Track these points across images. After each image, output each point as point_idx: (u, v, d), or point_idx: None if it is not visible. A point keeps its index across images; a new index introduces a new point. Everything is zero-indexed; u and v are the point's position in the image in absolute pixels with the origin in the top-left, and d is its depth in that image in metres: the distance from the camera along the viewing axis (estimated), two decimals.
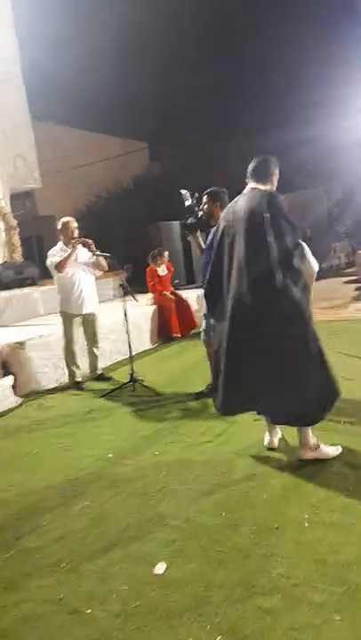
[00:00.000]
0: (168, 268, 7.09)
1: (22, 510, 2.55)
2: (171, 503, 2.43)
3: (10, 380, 4.51)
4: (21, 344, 4.88)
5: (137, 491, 2.59)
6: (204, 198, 4.05)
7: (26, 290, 7.63)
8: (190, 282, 9.93)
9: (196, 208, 4.31)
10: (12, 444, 3.51)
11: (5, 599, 1.90)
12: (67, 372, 4.83)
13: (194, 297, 7.22)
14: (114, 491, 2.63)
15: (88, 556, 2.09)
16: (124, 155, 20.40)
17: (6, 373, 4.68)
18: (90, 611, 1.77)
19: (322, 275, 11.13)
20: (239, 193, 2.80)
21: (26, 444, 3.44)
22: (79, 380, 4.79)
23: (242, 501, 2.36)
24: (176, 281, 8.15)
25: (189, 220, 4.31)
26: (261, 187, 2.67)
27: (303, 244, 2.57)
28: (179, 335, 6.64)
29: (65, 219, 4.76)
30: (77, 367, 4.79)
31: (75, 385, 4.76)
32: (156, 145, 23.20)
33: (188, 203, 4.40)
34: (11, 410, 4.25)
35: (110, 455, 3.10)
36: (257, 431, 3.06)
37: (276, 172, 2.78)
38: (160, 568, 1.95)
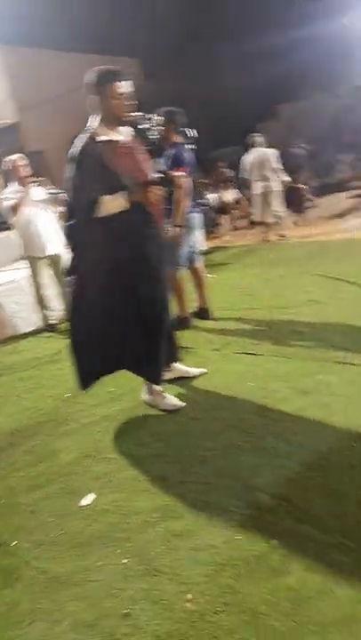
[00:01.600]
0: None
1: None
2: (111, 438, 2.49)
3: None
4: None
5: (83, 428, 2.67)
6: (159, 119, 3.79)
7: (5, 233, 7.48)
8: None
9: (150, 131, 4.04)
10: None
11: None
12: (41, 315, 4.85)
13: None
14: (63, 429, 2.71)
15: (25, 492, 2.19)
16: None
17: None
18: (16, 542, 1.89)
19: (327, 190, 10.65)
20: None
21: None
22: (53, 322, 4.82)
23: (177, 433, 2.41)
24: None
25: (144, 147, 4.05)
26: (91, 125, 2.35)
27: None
28: None
29: (10, 157, 4.54)
30: (49, 310, 4.80)
31: (49, 327, 4.80)
32: (151, 61, 21.38)
33: (141, 126, 4.11)
34: None
35: (68, 395, 3.16)
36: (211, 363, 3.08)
37: (103, 88, 2.26)
38: (88, 499, 2.04)
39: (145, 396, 2.77)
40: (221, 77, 15.75)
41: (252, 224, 7.99)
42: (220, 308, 4.25)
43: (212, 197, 9.25)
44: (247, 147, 7.22)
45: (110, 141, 2.35)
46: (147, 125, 4.01)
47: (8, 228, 7.68)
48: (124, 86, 2.32)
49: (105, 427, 2.63)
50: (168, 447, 2.31)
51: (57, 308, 4.93)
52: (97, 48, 16.72)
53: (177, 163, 3.72)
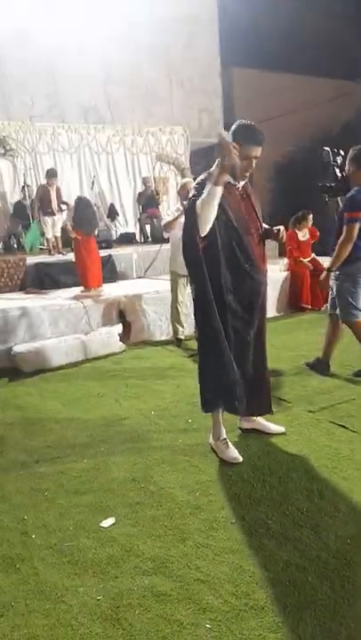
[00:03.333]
0: (312, 233, 6.58)
1: (56, 441, 2.99)
2: (157, 471, 2.54)
3: (118, 328, 5.05)
4: (138, 297, 5.38)
5: (144, 451, 2.76)
6: (348, 158, 3.60)
7: (165, 246, 8.04)
8: None
9: (337, 169, 3.89)
10: (91, 384, 4.01)
11: None
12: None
13: None
14: (129, 445, 2.85)
15: (74, 493, 2.38)
16: (333, 98, 18.49)
17: (123, 322, 5.25)
18: (34, 536, 2.09)
19: None
20: None
21: (101, 387, 3.90)
22: (181, 337, 5.05)
23: (221, 490, 2.33)
24: None
25: (327, 183, 3.92)
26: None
27: None
28: (309, 307, 6.24)
29: (184, 180, 4.91)
30: (180, 325, 5.04)
31: (177, 341, 5.05)
32: None
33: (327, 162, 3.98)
34: (112, 354, 4.79)
35: (154, 412, 3.31)
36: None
37: (241, 144, 2.30)
38: (107, 522, 2.14)
39: (210, 439, 2.74)
40: None
41: None
42: (343, 366, 3.89)
43: None
44: None
45: (228, 183, 2.40)
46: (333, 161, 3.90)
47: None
48: (257, 151, 2.38)
49: (160, 457, 2.68)
50: (199, 500, 2.25)
51: (188, 325, 5.16)
52: (318, 70, 16.59)
53: (352, 206, 3.45)
